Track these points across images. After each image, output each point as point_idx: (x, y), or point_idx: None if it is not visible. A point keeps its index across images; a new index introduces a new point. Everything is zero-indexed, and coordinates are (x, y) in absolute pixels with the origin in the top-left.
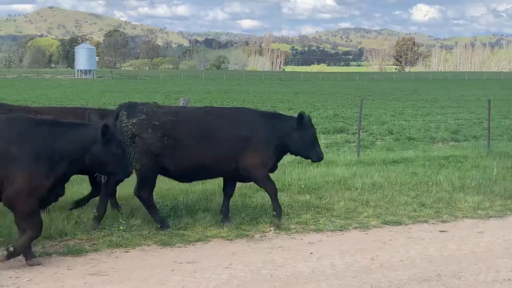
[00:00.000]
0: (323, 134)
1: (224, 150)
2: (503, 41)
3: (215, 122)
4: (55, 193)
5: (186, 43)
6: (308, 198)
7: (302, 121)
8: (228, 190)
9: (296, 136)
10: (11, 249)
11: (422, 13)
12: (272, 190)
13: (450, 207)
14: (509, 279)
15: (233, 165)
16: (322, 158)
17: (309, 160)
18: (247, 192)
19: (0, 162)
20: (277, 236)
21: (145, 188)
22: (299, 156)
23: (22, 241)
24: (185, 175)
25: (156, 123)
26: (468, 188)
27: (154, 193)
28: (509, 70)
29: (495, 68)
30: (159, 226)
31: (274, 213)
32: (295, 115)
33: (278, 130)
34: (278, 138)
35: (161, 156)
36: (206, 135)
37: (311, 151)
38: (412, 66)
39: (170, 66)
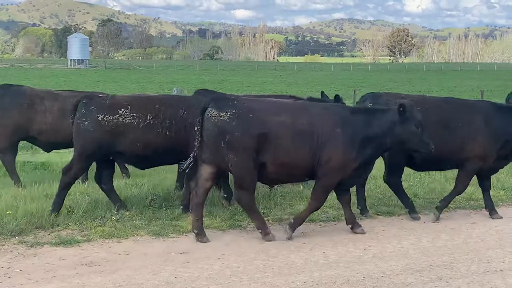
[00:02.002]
0: None
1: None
2: (497, 32)
3: None
4: (360, 174)
5: (180, 33)
6: (301, 188)
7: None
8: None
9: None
10: (292, 220)
11: (415, 3)
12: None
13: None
14: (501, 270)
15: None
16: None
17: None
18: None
19: (324, 143)
20: (270, 226)
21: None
22: None
23: (304, 212)
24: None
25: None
26: None
27: (147, 183)
28: (502, 61)
29: (489, 59)
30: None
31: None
32: None
33: None
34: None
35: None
36: None
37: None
38: (405, 57)
39: (164, 56)
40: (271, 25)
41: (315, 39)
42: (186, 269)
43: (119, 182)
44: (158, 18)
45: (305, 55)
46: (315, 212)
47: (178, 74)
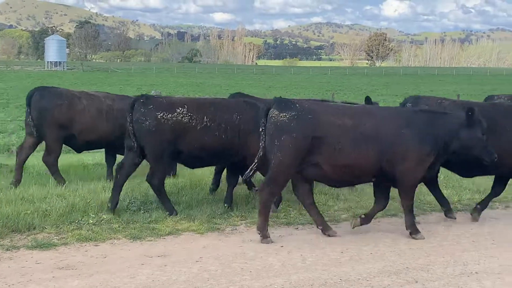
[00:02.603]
0: None
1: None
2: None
3: None
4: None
5: (158, 36)
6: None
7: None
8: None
9: None
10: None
11: (392, 8)
12: None
13: (419, 200)
14: (476, 272)
15: None
16: None
17: None
18: (220, 186)
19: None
20: (248, 229)
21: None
22: None
23: (406, 215)
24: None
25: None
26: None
27: (125, 186)
28: (478, 66)
29: (465, 64)
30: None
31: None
32: None
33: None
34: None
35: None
36: None
37: None
38: (383, 61)
39: (142, 59)
40: (250, 28)
41: (293, 42)
42: (163, 273)
43: (95, 185)
44: (137, 20)
45: (284, 59)
46: (292, 215)
47: (156, 76)
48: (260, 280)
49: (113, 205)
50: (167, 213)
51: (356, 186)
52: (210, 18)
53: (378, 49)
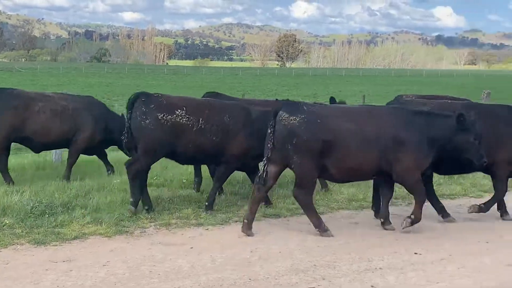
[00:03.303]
0: None
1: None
2: (378, 39)
3: None
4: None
5: (65, 35)
6: (190, 192)
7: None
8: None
9: None
10: (412, 216)
11: (301, 10)
12: None
13: (326, 199)
14: (380, 268)
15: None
16: None
17: None
18: (127, 188)
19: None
20: (157, 231)
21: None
22: None
23: (416, 208)
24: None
25: None
26: None
27: (28, 190)
28: (383, 67)
29: (371, 65)
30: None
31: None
32: None
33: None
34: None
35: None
36: None
37: None
38: (293, 62)
39: (48, 58)
40: (160, 28)
41: (204, 43)
42: (69, 278)
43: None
44: (42, 19)
45: (195, 59)
46: (202, 216)
47: (64, 76)
48: (169, 282)
49: (149, 204)
50: (131, 200)
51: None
52: (119, 17)
53: (288, 50)
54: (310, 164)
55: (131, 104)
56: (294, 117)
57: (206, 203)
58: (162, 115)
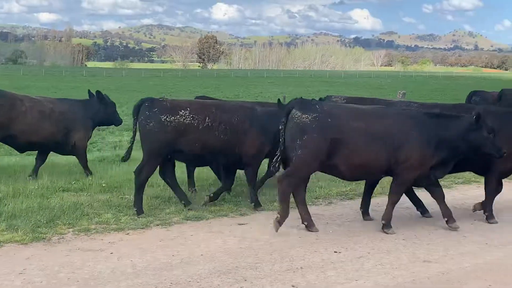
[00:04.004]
0: (126, 131)
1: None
2: (298, 41)
3: None
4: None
5: None
6: (109, 197)
7: None
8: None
9: None
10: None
11: (222, 12)
12: None
13: (249, 200)
14: (301, 268)
15: None
16: None
17: (112, 158)
18: (44, 193)
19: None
20: (76, 237)
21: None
22: None
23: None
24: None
25: None
26: (266, 182)
27: None
28: (303, 68)
29: (291, 66)
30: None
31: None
32: None
33: None
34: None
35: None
36: None
37: None
38: (214, 63)
39: None
40: (78, 29)
41: (124, 44)
42: None
43: None
44: None
45: (115, 61)
46: (122, 220)
47: None
48: None
49: (186, 201)
50: (135, 209)
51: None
52: (35, 18)
53: (210, 52)
54: (311, 160)
55: (136, 110)
56: (306, 115)
57: (253, 203)
58: (165, 118)
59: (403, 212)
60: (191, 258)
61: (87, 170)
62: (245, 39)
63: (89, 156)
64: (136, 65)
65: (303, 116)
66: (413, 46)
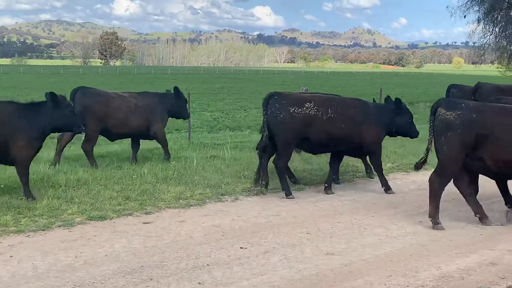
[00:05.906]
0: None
1: None
2: (202, 37)
3: None
4: None
5: None
6: (9, 198)
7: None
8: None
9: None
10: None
11: (123, 7)
12: None
13: (153, 198)
14: (207, 265)
15: None
16: None
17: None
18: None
19: None
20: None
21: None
22: None
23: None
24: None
25: None
26: (170, 179)
27: None
28: (208, 65)
29: (195, 63)
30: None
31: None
32: None
33: None
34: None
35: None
36: None
37: None
38: (117, 60)
39: None
40: None
41: (22, 40)
42: None
43: None
44: None
45: (12, 57)
46: (22, 222)
47: None
48: None
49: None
50: (284, 193)
51: (91, 189)
52: None
53: (111, 48)
54: (457, 156)
55: (266, 103)
56: (451, 113)
57: (384, 188)
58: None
59: (308, 206)
60: (94, 259)
61: (166, 154)
62: (148, 35)
63: None
64: (35, 62)
65: (448, 113)
66: (314, 43)
